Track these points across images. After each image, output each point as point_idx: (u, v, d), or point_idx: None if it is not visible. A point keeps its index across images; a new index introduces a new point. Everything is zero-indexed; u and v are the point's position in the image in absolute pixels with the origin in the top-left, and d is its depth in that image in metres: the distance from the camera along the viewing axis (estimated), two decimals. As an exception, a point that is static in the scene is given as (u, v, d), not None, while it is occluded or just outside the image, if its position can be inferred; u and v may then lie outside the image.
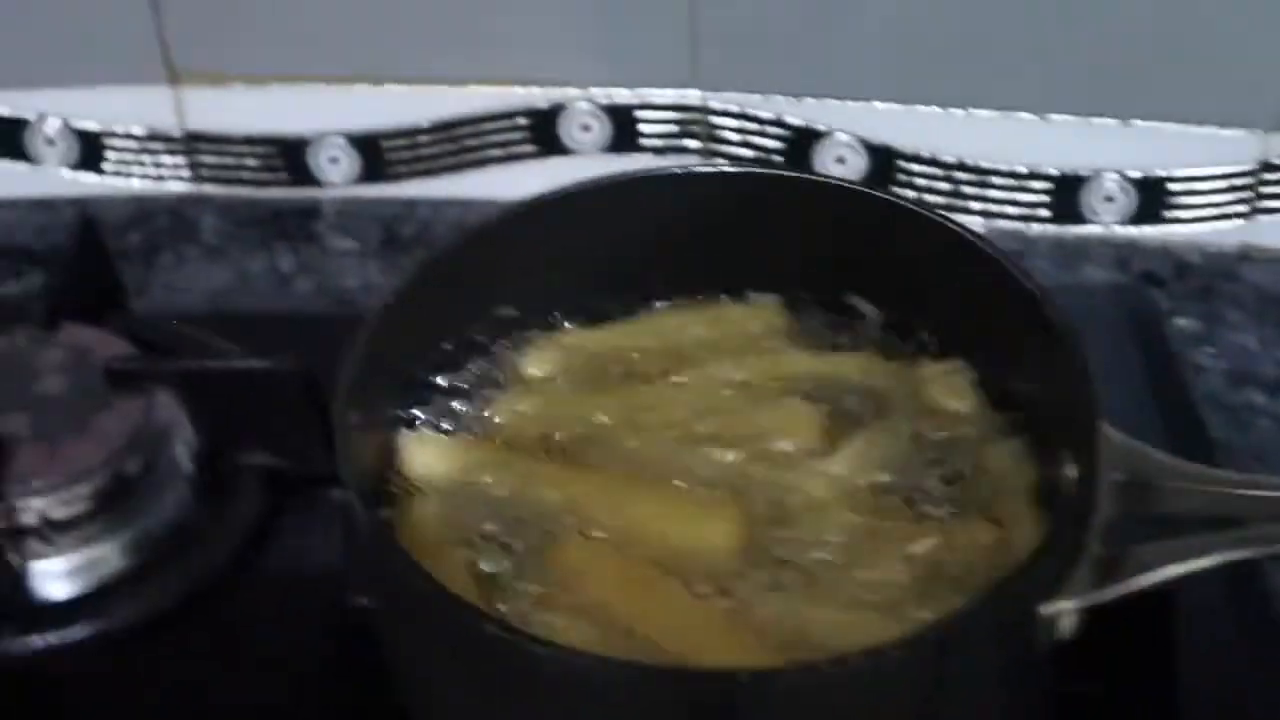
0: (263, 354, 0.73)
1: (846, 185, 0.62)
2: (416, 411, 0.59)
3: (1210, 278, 0.83)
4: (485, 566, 0.53)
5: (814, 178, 0.64)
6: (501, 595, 0.52)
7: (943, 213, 0.59)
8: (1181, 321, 0.81)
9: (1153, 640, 0.57)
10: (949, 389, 0.58)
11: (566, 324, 0.62)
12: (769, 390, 0.59)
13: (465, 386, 0.60)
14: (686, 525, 0.53)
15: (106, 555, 0.65)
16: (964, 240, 0.57)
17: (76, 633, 0.63)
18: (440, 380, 0.60)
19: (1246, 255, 0.84)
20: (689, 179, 0.63)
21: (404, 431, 0.58)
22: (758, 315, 0.62)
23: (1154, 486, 0.50)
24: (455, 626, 0.45)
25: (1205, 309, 0.81)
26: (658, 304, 0.63)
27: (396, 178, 0.87)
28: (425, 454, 0.56)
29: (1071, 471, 0.51)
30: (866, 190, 0.63)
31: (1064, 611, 0.47)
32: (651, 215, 0.61)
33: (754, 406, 0.58)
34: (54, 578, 0.65)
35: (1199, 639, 0.59)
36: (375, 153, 0.86)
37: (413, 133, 0.86)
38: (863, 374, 0.59)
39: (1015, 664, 0.48)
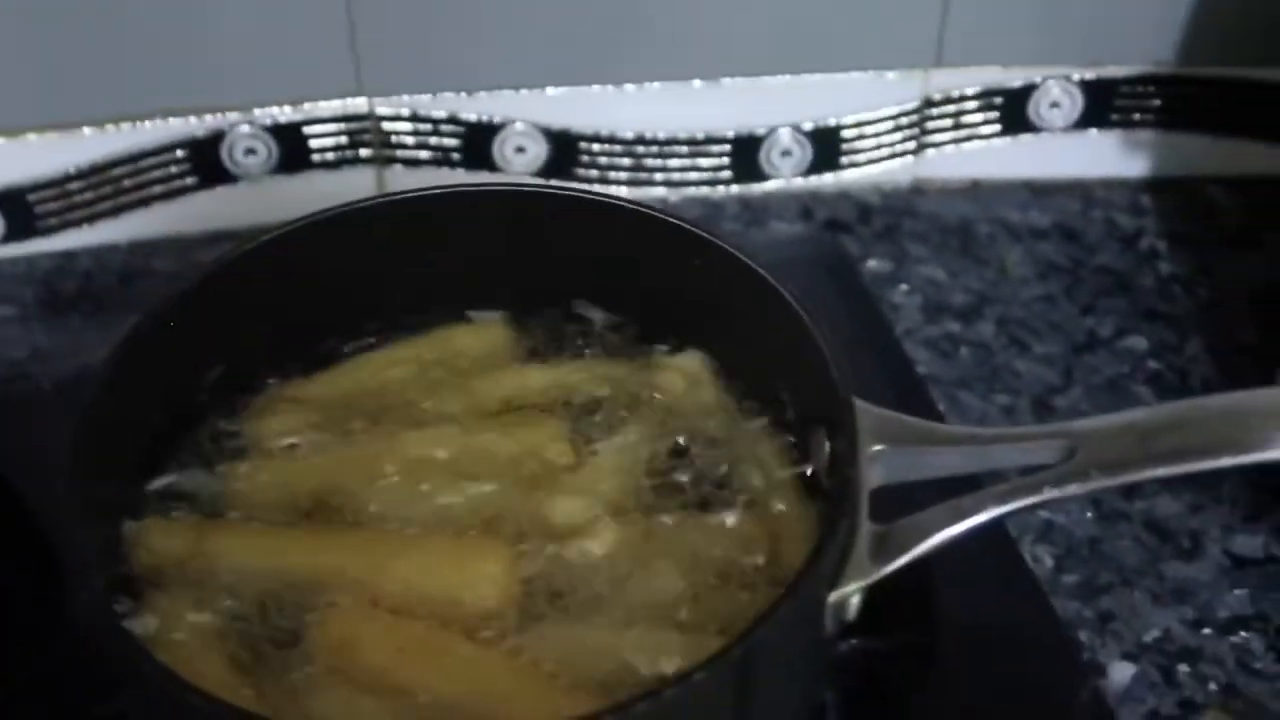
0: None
1: (548, 190, 0.60)
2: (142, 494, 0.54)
3: (891, 216, 0.86)
4: (245, 655, 0.49)
5: (514, 186, 0.62)
6: (272, 682, 0.48)
7: (649, 205, 0.58)
8: (872, 263, 0.83)
9: (913, 589, 0.59)
10: (688, 381, 0.57)
11: (290, 376, 0.59)
12: (509, 411, 0.57)
13: (191, 460, 0.56)
14: (451, 574, 0.51)
15: None
16: (678, 229, 0.56)
17: None
18: (167, 459, 0.55)
19: (920, 190, 0.87)
20: (384, 208, 0.60)
21: (129, 522, 0.53)
22: (482, 335, 0.59)
23: (912, 452, 0.51)
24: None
25: (892, 248, 0.84)
26: (380, 338, 0.60)
27: (49, 231, 0.81)
28: (157, 541, 0.52)
29: (829, 449, 0.51)
30: (568, 191, 0.62)
31: (850, 594, 0.47)
32: (354, 249, 0.58)
33: (497, 431, 0.56)
34: None
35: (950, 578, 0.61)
36: (22, 208, 0.79)
37: (62, 181, 0.79)
38: (600, 380, 0.58)
39: (809, 652, 0.48)
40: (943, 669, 0.60)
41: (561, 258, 0.58)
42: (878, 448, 0.50)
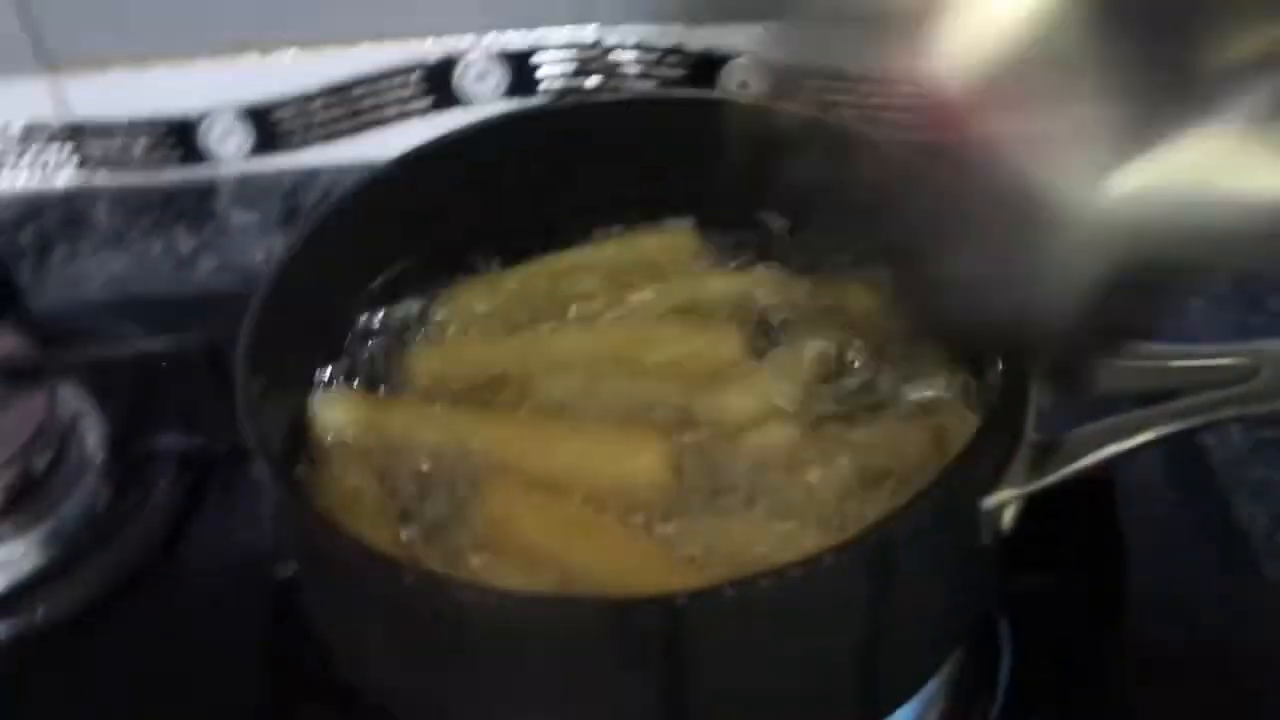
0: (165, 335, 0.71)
1: (744, 102, 0.60)
2: (328, 371, 0.57)
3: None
4: (407, 523, 0.51)
5: (713, 96, 0.62)
6: (427, 551, 0.50)
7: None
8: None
9: (1096, 526, 0.56)
10: (867, 298, 0.56)
11: (480, 269, 0.60)
12: (689, 315, 0.57)
13: (376, 342, 0.58)
14: (612, 460, 0.51)
15: (22, 553, 0.63)
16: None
17: (-1, 632, 0.61)
18: (349, 337, 0.58)
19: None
20: (587, 110, 0.61)
21: (315, 392, 0.55)
22: (670, 241, 0.60)
23: (1078, 370, 0.49)
24: (377, 581, 0.43)
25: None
26: (574, 239, 0.61)
27: (292, 147, 0.85)
28: (338, 412, 0.54)
29: (1001, 360, 0.49)
30: (767, 106, 0.61)
31: (1005, 502, 0.46)
32: (558, 148, 0.59)
33: (676, 331, 0.56)
34: (-31, 581, 0.62)
35: (1142, 520, 0.58)
36: (268, 123, 0.84)
37: (305, 99, 0.83)
38: (781, 291, 0.57)
39: (958, 561, 0.47)
40: (1135, 630, 0.58)
41: (750, 169, 0.58)
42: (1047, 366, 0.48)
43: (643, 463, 0.51)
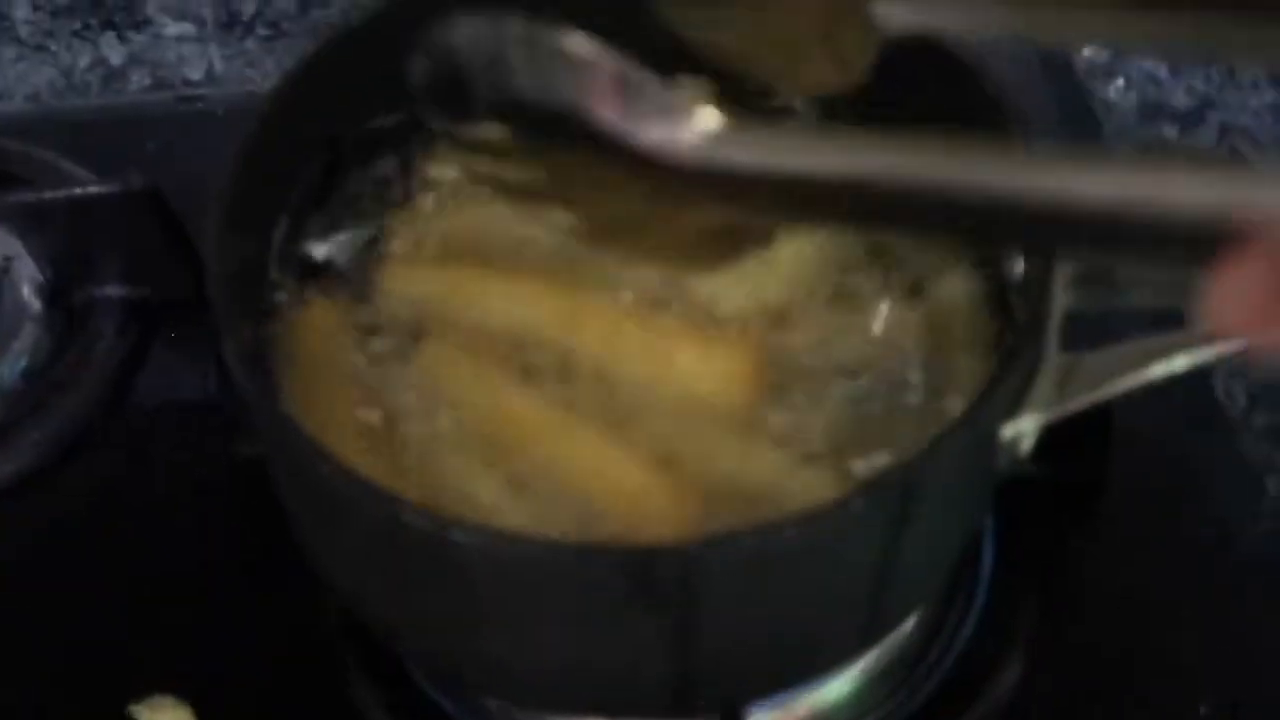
0: (102, 166, 0.66)
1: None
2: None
3: None
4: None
5: None
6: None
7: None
8: (1088, 52, 0.76)
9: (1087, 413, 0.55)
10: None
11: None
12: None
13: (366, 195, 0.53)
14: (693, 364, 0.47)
15: (-47, 413, 0.59)
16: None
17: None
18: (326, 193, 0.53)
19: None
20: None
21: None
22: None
23: (1108, 278, 0.46)
24: (363, 510, 0.40)
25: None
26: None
27: (231, -54, 0.78)
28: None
29: (1024, 266, 0.46)
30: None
31: (1025, 432, 0.44)
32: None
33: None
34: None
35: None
36: (204, -82, 0.77)
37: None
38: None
39: (974, 489, 0.45)
40: (1111, 505, 0.57)
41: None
42: (1073, 269, 0.46)
43: (727, 370, 0.47)
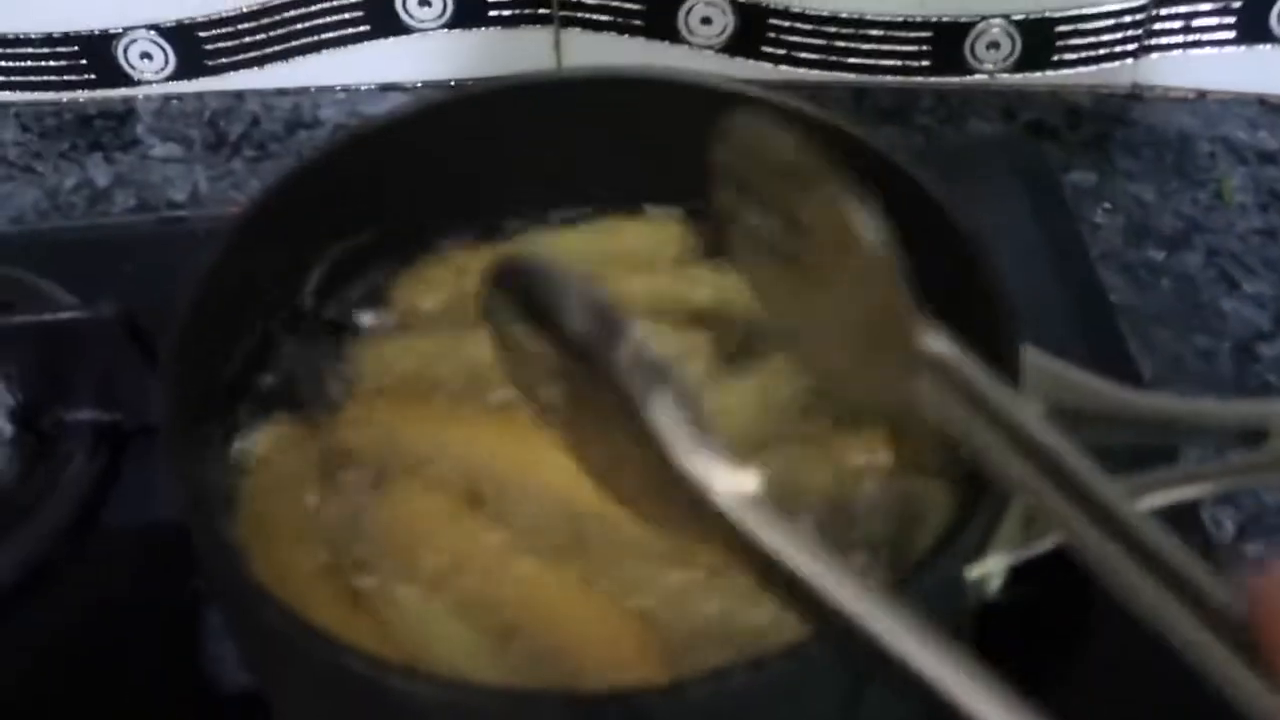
0: (81, 288, 0.66)
1: (723, 88, 0.54)
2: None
3: (1102, 124, 0.78)
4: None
5: (698, 81, 0.56)
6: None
7: (839, 117, 0.52)
8: (1075, 176, 0.76)
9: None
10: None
11: (447, 248, 0.55)
12: (657, 317, 0.53)
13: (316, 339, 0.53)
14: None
15: (-77, 539, 0.58)
16: (860, 144, 0.51)
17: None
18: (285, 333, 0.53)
19: (1138, 96, 0.79)
20: (570, 85, 0.56)
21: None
22: (654, 232, 0.55)
23: (1080, 415, 0.46)
24: (308, 654, 0.39)
25: (1099, 159, 0.77)
26: (550, 219, 0.56)
27: (219, 70, 0.79)
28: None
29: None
30: (746, 92, 0.56)
31: (992, 574, 0.43)
32: (536, 123, 0.54)
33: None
34: None
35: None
36: (192, 43, 0.77)
37: (233, 19, 0.77)
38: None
39: (943, 629, 0.44)
40: (1096, 638, 0.55)
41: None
42: (1041, 408, 0.45)
43: None
